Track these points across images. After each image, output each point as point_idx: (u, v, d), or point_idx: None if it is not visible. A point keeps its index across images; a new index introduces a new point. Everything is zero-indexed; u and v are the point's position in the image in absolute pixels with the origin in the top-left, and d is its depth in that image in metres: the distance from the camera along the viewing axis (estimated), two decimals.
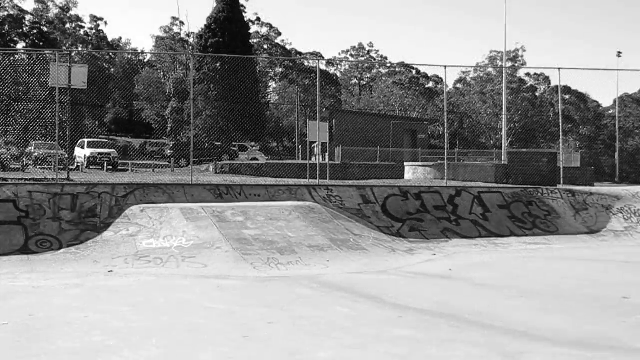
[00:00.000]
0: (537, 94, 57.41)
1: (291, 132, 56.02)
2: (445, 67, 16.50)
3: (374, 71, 75.31)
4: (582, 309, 6.66)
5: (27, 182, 12.85)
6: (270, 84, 67.56)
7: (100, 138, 39.12)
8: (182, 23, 72.84)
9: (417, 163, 25.17)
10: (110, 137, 48.14)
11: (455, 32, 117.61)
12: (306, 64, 62.07)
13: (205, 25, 49.09)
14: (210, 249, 9.98)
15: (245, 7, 57.87)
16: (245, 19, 54.69)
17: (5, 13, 57.01)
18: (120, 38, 75.54)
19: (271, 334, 5.44)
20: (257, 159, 35.59)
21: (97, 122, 47.89)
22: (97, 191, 11.80)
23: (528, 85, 56.80)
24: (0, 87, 24.19)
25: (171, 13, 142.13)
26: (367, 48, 74.78)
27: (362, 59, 73.99)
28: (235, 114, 40.57)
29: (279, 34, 69.14)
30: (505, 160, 25.50)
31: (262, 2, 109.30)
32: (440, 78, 63.41)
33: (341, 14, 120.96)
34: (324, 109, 42.70)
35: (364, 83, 75.53)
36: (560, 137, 19.87)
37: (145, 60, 67.97)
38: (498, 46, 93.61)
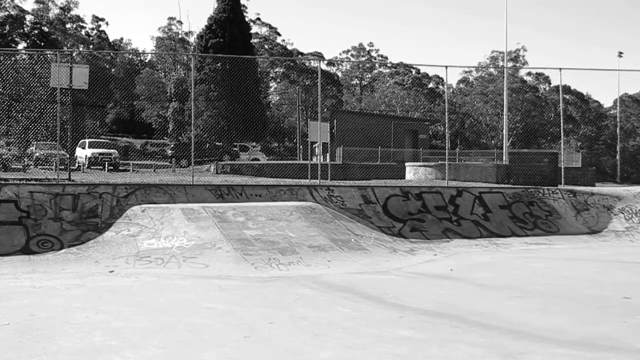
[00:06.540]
0: (538, 94, 57.33)
1: (292, 132, 56.02)
2: (447, 67, 16.47)
3: (375, 71, 75.31)
4: (583, 309, 6.65)
5: (28, 182, 12.85)
6: (271, 84, 67.56)
7: (101, 138, 39.18)
8: (180, 23, 72.85)
9: (418, 163, 25.14)
10: (111, 138, 48.16)
11: (456, 32, 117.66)
12: (307, 64, 62.06)
13: (206, 26, 49.08)
14: (212, 249, 9.99)
15: (246, 8, 57.92)
16: (247, 20, 54.70)
17: (6, 13, 57.03)
18: (122, 39, 75.60)
19: (272, 334, 5.45)
20: (258, 159, 35.59)
21: (98, 123, 47.91)
22: (98, 191, 11.81)
23: (529, 85, 56.73)
24: (2, 88, 24.23)
25: (173, 14, 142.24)
26: (368, 48, 74.80)
27: (363, 59, 73.99)
28: (236, 114, 40.56)
29: (278, 34, 69.18)
30: (506, 160, 25.48)
31: (262, 2, 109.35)
32: (442, 78, 63.43)
33: (342, 14, 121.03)
34: (325, 109, 42.72)
35: (365, 83, 75.54)
36: (562, 137, 19.88)
37: (147, 61, 68.00)
38: (499, 46, 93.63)
